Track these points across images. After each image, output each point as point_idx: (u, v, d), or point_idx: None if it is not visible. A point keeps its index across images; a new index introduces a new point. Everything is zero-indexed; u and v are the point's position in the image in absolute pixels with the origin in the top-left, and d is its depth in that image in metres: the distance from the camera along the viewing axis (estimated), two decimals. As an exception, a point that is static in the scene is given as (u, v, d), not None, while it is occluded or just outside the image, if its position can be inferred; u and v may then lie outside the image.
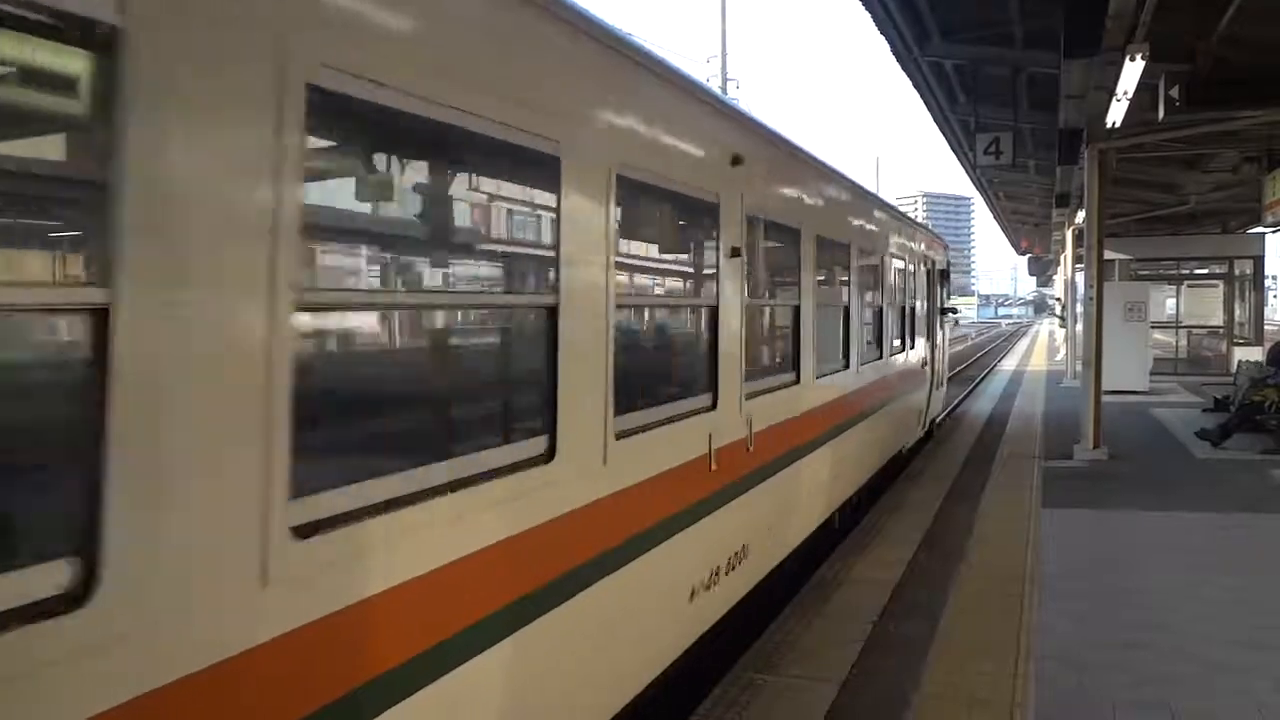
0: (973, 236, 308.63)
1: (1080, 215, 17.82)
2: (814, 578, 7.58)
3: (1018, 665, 5.69)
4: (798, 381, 7.09)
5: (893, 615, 6.65)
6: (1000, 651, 5.91)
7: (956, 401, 23.15)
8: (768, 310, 7.05)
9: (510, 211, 3.79)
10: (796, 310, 7.16)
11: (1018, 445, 14.46)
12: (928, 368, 14.15)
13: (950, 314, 17.38)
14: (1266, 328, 28.18)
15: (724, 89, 36.02)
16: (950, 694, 5.30)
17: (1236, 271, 27.09)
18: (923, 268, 13.76)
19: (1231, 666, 5.71)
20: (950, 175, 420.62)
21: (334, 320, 2.90)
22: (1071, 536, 8.88)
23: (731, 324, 5.54)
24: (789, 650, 5.97)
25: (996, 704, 5.17)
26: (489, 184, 3.64)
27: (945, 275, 16.28)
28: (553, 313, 3.59)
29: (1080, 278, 18.54)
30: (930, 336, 14.55)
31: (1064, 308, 30.07)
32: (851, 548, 8.52)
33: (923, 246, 13.85)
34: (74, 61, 1.97)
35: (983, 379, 29.34)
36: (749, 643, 6.11)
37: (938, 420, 16.54)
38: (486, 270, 3.80)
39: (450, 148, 3.25)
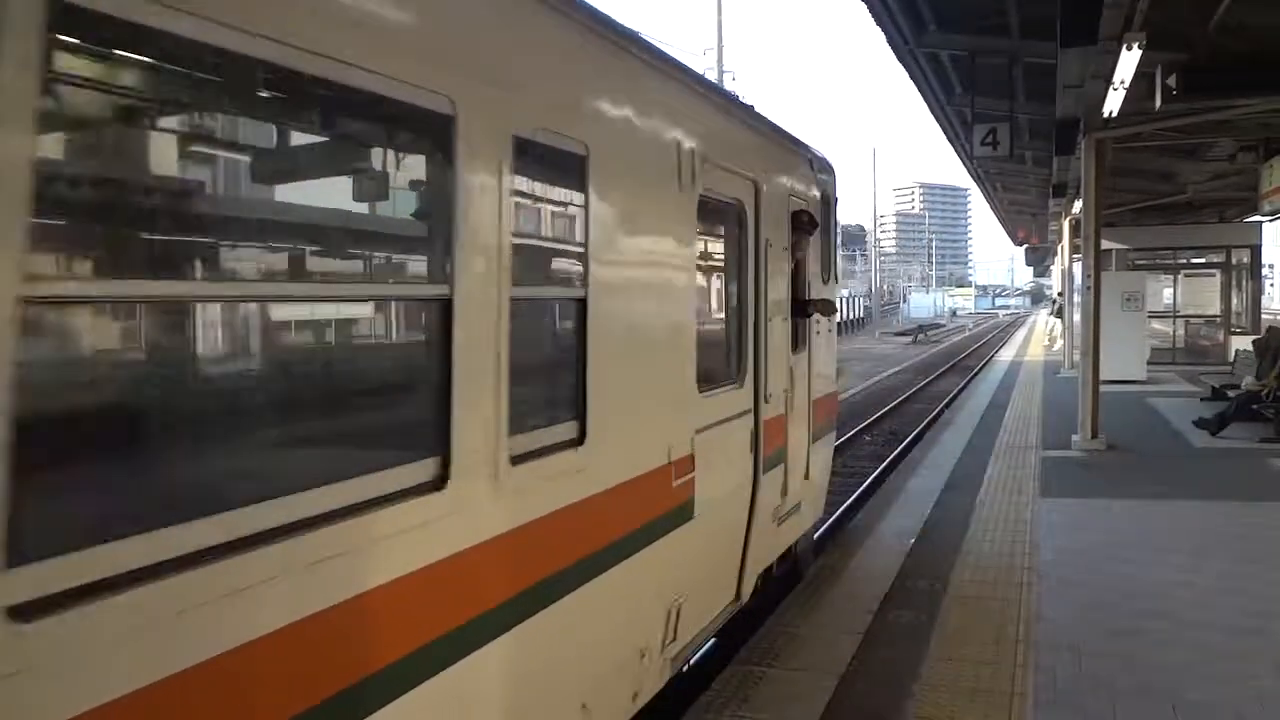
0: (970, 227, 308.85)
1: (1077, 205, 17.80)
2: (812, 569, 7.59)
3: (1017, 654, 5.70)
4: None
5: (893, 605, 6.66)
6: (1000, 641, 5.92)
7: (956, 392, 23.18)
8: None
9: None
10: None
11: (1015, 435, 14.48)
12: (752, 457, 6.02)
13: (825, 314, 7.66)
14: (1263, 316, 28.18)
15: (719, 81, 35.95)
16: (950, 684, 5.31)
17: (1234, 260, 27.11)
18: (741, 203, 5.92)
19: (1231, 653, 5.72)
20: (947, 166, 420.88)
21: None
22: (1070, 526, 8.88)
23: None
24: (789, 641, 5.98)
25: (997, 693, 5.18)
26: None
27: (813, 224, 7.20)
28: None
29: (1078, 268, 18.57)
30: (761, 371, 6.13)
31: (1061, 299, 30.11)
32: (851, 540, 8.54)
33: (748, 164, 5.99)
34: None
35: (980, 370, 29.43)
36: (748, 635, 6.12)
37: (808, 542, 7.90)
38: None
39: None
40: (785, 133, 7.11)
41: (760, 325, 6.11)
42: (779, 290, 6.52)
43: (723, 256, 6.09)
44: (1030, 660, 5.62)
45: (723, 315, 6.02)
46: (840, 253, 8.22)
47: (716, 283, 6.10)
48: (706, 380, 5.20)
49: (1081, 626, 6.19)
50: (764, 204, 6.14)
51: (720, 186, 5.46)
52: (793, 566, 7.40)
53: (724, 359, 5.86)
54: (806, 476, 7.27)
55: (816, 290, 7.53)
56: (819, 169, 7.82)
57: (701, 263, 5.49)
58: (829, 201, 8.09)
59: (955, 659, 5.66)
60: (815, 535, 8.31)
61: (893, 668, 5.55)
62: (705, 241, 5.62)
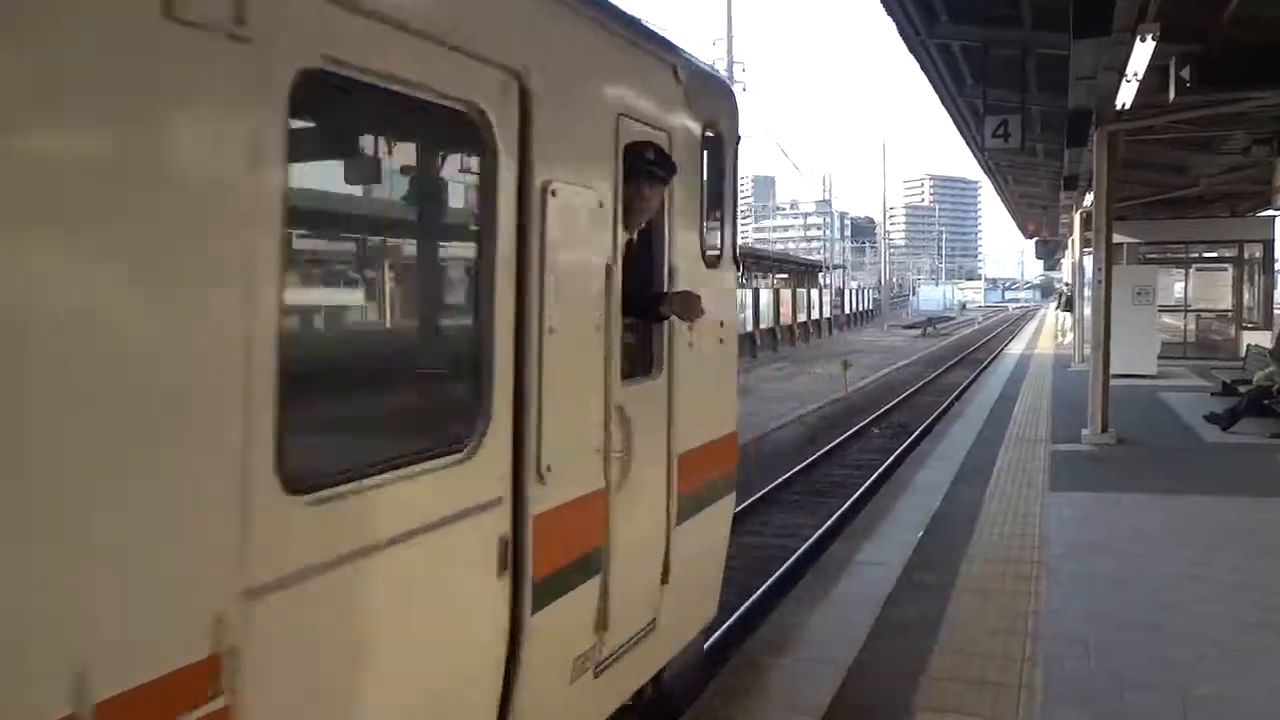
0: (980, 220, 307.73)
1: (1089, 198, 17.72)
2: (820, 561, 7.59)
3: (1026, 647, 5.68)
4: None
5: (900, 597, 6.64)
6: (1009, 634, 5.90)
7: (965, 385, 23.09)
8: None
9: None
10: None
11: (1025, 428, 14.43)
12: (509, 586, 3.17)
13: (687, 316, 4.25)
14: (1276, 311, 28.04)
15: (730, 73, 35.86)
16: (958, 676, 5.30)
17: (1246, 255, 26.93)
18: (480, 111, 2.97)
19: (1241, 648, 5.69)
20: (958, 158, 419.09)
21: None
22: (1080, 519, 8.85)
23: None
24: (795, 633, 5.97)
25: (1005, 686, 5.16)
26: None
27: (666, 167, 4.09)
28: None
29: (1088, 261, 18.48)
30: (529, 423, 3.23)
31: (1070, 290, 30.00)
32: (858, 530, 8.53)
33: (490, 35, 3.02)
34: None
35: (990, 363, 29.41)
36: (754, 627, 6.12)
37: (691, 660, 5.13)
38: None
39: None
40: (623, 14, 4.05)
41: (530, 338, 3.26)
42: (585, 276, 3.67)
43: (421, 208, 3.77)
44: (1039, 653, 5.61)
45: (415, 321, 3.89)
46: (735, 217, 5.33)
47: (402, 258, 3.92)
48: (339, 461, 2.61)
49: (1091, 620, 6.16)
50: (541, 119, 3.24)
51: (401, 65, 2.68)
52: (653, 709, 4.73)
53: (418, 408, 3.45)
54: (665, 580, 4.39)
55: (688, 277, 4.50)
56: (696, 84, 4.68)
57: (331, 213, 3.36)
58: (719, 140, 4.99)
59: (963, 651, 5.64)
60: (707, 644, 5.80)
61: (900, 660, 5.53)
62: (351, 172, 3.45)
